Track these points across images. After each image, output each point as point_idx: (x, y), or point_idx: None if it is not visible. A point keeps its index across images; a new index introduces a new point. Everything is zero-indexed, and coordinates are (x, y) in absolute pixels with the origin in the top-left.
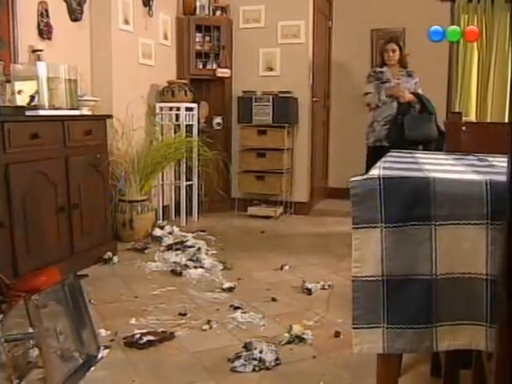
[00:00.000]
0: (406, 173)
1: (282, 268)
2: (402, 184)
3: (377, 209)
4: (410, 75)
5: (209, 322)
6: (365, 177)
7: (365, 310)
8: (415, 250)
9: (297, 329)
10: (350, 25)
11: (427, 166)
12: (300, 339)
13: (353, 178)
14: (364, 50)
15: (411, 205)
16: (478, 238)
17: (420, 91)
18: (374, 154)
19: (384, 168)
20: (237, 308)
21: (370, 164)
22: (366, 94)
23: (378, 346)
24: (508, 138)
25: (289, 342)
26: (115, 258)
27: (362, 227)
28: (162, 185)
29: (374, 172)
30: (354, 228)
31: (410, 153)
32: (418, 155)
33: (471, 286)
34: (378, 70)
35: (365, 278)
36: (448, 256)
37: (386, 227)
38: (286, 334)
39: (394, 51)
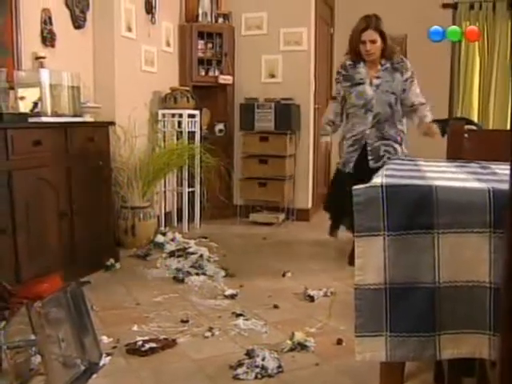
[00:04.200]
0: (408, 181)
1: (284, 275)
2: (405, 192)
3: (379, 217)
4: (395, 69)
5: (211, 329)
6: (367, 185)
7: (368, 318)
8: (418, 258)
9: (299, 336)
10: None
11: (429, 174)
12: (302, 346)
13: (355, 186)
14: None
15: (414, 213)
16: (480, 246)
17: (415, 89)
18: (337, 179)
19: (386, 176)
20: (239, 315)
21: (331, 189)
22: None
23: (380, 354)
24: (509, 145)
25: (291, 350)
26: (117, 265)
27: (365, 235)
28: (165, 191)
29: (377, 180)
30: (356, 236)
31: (412, 160)
32: (420, 162)
33: (474, 295)
34: (349, 63)
35: (367, 286)
36: (451, 264)
37: (388, 235)
38: (289, 342)
39: (373, 42)
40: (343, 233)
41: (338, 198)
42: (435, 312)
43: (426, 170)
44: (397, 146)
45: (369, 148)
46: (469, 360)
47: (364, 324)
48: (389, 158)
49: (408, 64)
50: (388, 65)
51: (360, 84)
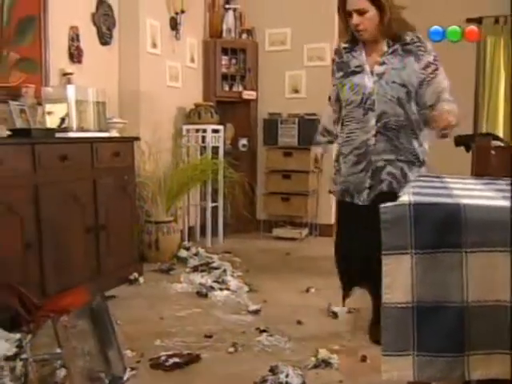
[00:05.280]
0: (436, 199)
1: (307, 291)
2: (433, 210)
3: (407, 235)
4: (407, 52)
5: (235, 344)
6: (395, 203)
7: (395, 337)
8: (446, 277)
9: (323, 353)
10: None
11: (456, 192)
12: (326, 363)
13: (383, 204)
14: None
15: (442, 231)
16: (509, 265)
17: (441, 82)
18: (343, 214)
19: (414, 194)
20: (263, 331)
21: (339, 229)
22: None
23: (408, 374)
24: None
25: (315, 367)
26: (141, 279)
27: (393, 253)
28: (188, 206)
29: (404, 198)
30: (384, 254)
31: (438, 177)
32: (446, 179)
33: (504, 314)
34: (344, 47)
35: (394, 305)
36: (479, 283)
37: (416, 253)
38: (313, 358)
39: (361, 12)
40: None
41: (348, 248)
42: (464, 331)
43: (453, 187)
44: (414, 168)
45: (371, 167)
46: (499, 381)
47: (391, 342)
48: (387, 194)
49: (428, 45)
50: (397, 46)
51: (356, 73)
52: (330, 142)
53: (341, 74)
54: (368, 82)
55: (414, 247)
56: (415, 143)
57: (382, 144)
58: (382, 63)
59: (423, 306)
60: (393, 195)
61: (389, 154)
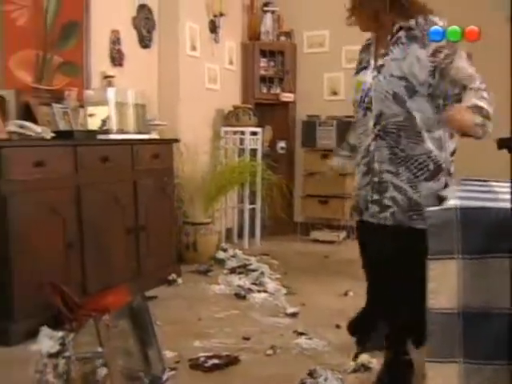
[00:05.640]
0: (483, 203)
1: (346, 294)
2: (481, 215)
3: (453, 240)
4: (412, 38)
5: (273, 347)
6: (441, 207)
7: (440, 343)
8: (495, 283)
9: (363, 357)
10: None
11: (502, 196)
12: (366, 368)
13: (428, 208)
14: None
15: (491, 236)
16: None
17: (462, 68)
18: (362, 241)
19: (460, 198)
20: (301, 334)
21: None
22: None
23: (453, 382)
24: None
25: (354, 371)
26: (179, 280)
27: (438, 258)
28: (226, 208)
29: (451, 202)
30: (429, 259)
31: (483, 180)
32: (491, 183)
33: None
34: (367, 40)
35: (440, 311)
36: None
37: (463, 258)
38: (352, 363)
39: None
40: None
41: (375, 283)
42: None
43: (499, 191)
44: (421, 184)
45: (374, 179)
46: None
47: (436, 349)
48: (391, 228)
49: (439, 24)
50: (401, 33)
51: (363, 69)
52: (352, 157)
53: (354, 72)
54: (368, 77)
55: (462, 252)
56: (421, 149)
57: (382, 151)
58: (385, 55)
59: (470, 312)
60: (397, 230)
61: (389, 165)
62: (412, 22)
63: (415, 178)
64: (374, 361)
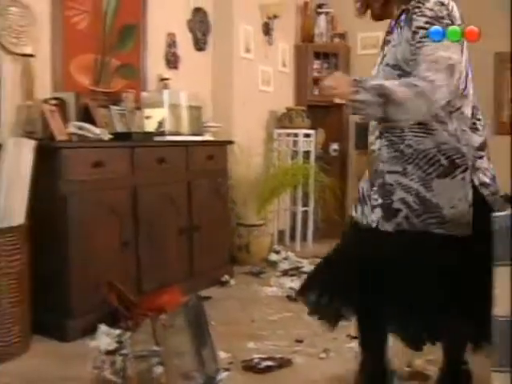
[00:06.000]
0: None
1: None
2: None
3: None
4: (408, 20)
5: (326, 350)
6: (508, 212)
7: (505, 353)
8: None
9: (418, 364)
10: (472, 48)
11: None
12: (422, 375)
13: (495, 214)
14: (487, 74)
15: None
16: None
17: (427, 55)
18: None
19: None
20: (354, 338)
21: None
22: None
23: None
24: None
25: (410, 378)
26: (232, 281)
27: (504, 264)
28: (278, 210)
29: None
30: (495, 265)
31: None
32: None
33: None
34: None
35: (505, 318)
36: None
37: None
38: (407, 369)
39: None
40: None
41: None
42: None
43: None
44: (434, 181)
45: (378, 181)
46: None
47: (501, 358)
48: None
49: (428, 5)
50: (402, 17)
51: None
52: None
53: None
54: (375, 68)
55: None
56: (430, 143)
57: (386, 150)
58: (388, 42)
59: None
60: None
61: (394, 165)
62: (412, 3)
63: (427, 175)
64: (432, 368)
